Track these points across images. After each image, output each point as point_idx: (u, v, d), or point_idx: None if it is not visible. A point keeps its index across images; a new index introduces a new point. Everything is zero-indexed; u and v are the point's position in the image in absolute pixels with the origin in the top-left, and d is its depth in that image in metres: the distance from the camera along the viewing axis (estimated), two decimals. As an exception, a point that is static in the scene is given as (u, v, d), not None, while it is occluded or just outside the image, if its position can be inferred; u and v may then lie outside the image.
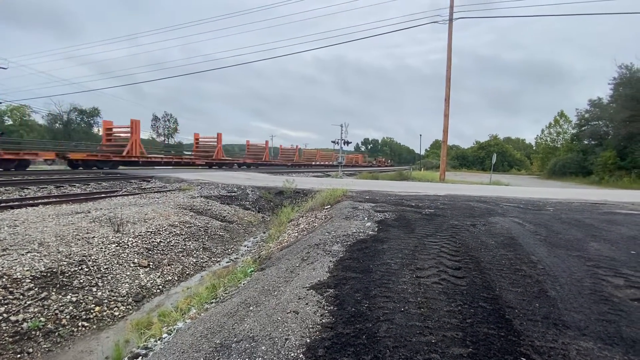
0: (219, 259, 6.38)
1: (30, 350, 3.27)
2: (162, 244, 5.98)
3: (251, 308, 2.77)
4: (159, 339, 3.10)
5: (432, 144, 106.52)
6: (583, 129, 39.73)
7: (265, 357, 1.94)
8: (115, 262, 4.94)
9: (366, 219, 5.75)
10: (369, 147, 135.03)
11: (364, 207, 6.84)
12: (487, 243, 4.17)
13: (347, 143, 26.53)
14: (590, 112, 38.60)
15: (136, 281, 4.77)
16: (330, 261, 3.53)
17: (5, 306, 3.51)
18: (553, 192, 13.63)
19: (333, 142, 26.47)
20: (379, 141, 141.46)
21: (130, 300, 4.41)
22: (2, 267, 3.93)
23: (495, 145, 74.28)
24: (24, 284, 3.84)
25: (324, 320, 2.27)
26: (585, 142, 38.88)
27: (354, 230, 4.85)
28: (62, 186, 11.36)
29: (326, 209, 7.56)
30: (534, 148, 71.77)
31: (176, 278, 5.28)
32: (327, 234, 4.81)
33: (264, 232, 8.39)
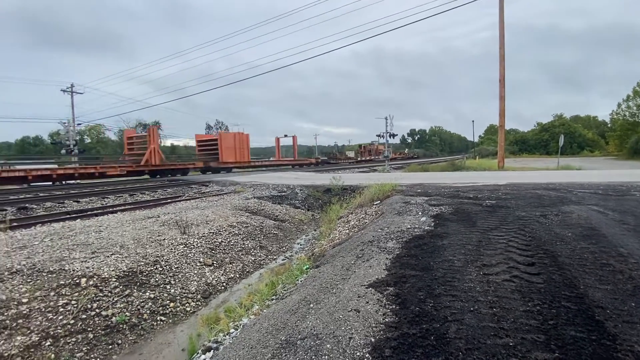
0: (275, 257, 6.61)
1: (119, 341, 3.69)
2: (223, 243, 6.36)
3: (311, 306, 2.81)
4: (227, 334, 3.29)
5: (486, 129, 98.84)
6: (673, 98, 34.00)
7: (330, 355, 1.94)
8: (184, 261, 5.36)
9: (420, 213, 5.52)
10: (416, 137, 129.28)
11: (417, 202, 6.59)
12: (563, 235, 3.76)
13: (393, 136, 25.79)
14: (683, 78, 32.86)
15: (203, 279, 5.13)
16: (387, 258, 3.45)
17: (97, 302, 3.99)
18: (638, 174, 11.86)
19: (378, 135, 26.01)
20: (427, 131, 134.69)
21: (199, 296, 4.76)
22: (93, 268, 4.48)
23: (560, 125, 66.46)
24: (111, 282, 4.33)
25: (387, 320, 2.22)
26: (677, 114, 33.23)
27: (409, 226, 4.69)
28: (135, 194, 12.66)
29: (375, 204, 7.42)
30: (609, 125, 63.18)
31: (237, 275, 5.57)
32: (379, 230, 4.72)
33: (315, 230, 8.51)
